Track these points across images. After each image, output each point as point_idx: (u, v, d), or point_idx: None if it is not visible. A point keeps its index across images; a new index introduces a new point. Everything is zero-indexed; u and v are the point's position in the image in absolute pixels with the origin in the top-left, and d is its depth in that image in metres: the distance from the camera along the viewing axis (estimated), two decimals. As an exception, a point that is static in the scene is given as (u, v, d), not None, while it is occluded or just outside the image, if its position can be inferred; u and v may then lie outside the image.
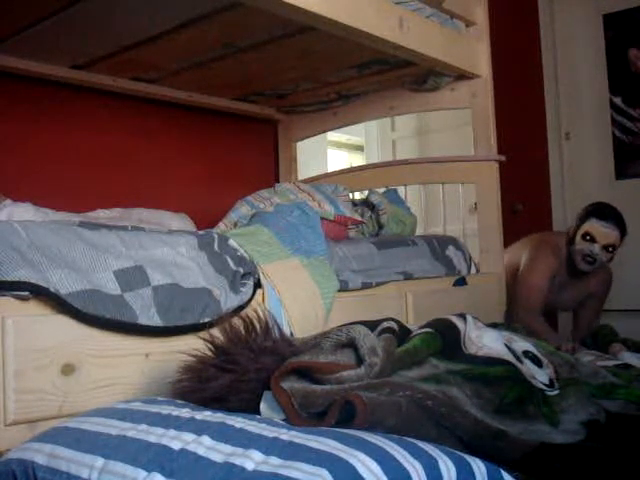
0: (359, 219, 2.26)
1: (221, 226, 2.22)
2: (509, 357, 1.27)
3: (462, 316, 1.40)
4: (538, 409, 1.15)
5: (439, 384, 1.09)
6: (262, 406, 0.99)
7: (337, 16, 1.77)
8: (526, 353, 1.36)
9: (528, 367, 1.29)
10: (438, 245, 2.27)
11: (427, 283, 2.12)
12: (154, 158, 2.68)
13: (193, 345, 1.12)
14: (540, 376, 1.28)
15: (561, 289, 2.49)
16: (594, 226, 2.30)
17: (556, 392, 1.25)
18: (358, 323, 1.20)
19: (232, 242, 1.59)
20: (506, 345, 1.33)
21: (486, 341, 1.31)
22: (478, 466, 0.80)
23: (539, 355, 1.37)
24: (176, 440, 0.84)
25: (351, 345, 1.10)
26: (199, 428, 0.87)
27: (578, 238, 2.33)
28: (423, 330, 1.31)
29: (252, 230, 1.72)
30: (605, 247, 2.29)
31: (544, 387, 1.24)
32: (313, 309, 1.63)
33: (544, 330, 2.31)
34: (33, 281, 1.14)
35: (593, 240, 2.29)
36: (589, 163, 3.16)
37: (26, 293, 1.14)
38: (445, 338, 1.29)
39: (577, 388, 1.29)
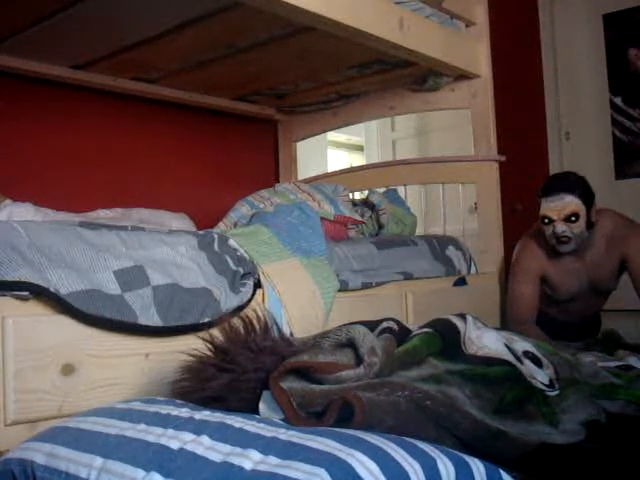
0: (359, 219, 2.26)
1: (221, 226, 2.22)
2: (509, 357, 1.27)
3: (462, 316, 1.40)
4: (538, 409, 1.15)
5: (439, 384, 1.09)
6: (261, 406, 0.99)
7: (337, 16, 1.77)
8: (526, 353, 1.36)
9: (528, 367, 1.29)
10: (438, 245, 2.27)
11: (427, 283, 2.12)
12: (154, 158, 2.68)
13: (193, 345, 1.12)
14: (540, 376, 1.28)
15: (574, 275, 2.20)
16: (544, 206, 2.09)
17: (556, 392, 1.25)
18: (358, 323, 1.20)
19: (232, 242, 1.59)
20: (506, 345, 1.33)
21: (486, 341, 1.31)
22: (477, 466, 0.80)
23: (539, 355, 1.37)
24: (175, 440, 0.84)
25: (350, 345, 1.10)
26: (198, 428, 0.87)
27: (541, 225, 2.14)
28: (423, 330, 1.31)
29: (252, 230, 1.72)
30: (566, 219, 2.05)
31: (544, 387, 1.24)
32: (313, 309, 1.64)
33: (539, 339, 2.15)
34: (33, 281, 1.14)
35: (551, 220, 2.08)
36: (589, 163, 3.16)
37: (26, 293, 1.14)
38: (445, 338, 1.29)
39: (577, 388, 1.29)
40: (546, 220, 2.09)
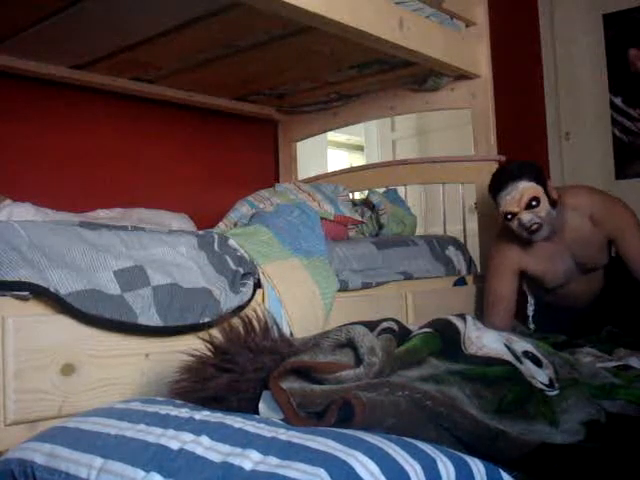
0: (359, 219, 2.26)
1: (221, 226, 2.22)
2: (509, 357, 1.27)
3: (462, 316, 1.40)
4: (538, 409, 1.15)
5: (439, 384, 1.09)
6: (261, 406, 0.99)
7: (337, 16, 1.77)
8: (526, 353, 1.36)
9: (528, 367, 1.29)
10: (438, 245, 2.27)
11: (427, 283, 2.12)
12: (154, 158, 2.68)
13: (192, 345, 1.12)
14: (540, 376, 1.28)
15: (557, 258, 2.08)
16: (501, 203, 1.96)
17: (556, 392, 1.25)
18: (358, 323, 1.20)
19: (232, 242, 1.59)
20: (506, 345, 1.33)
21: (486, 341, 1.31)
22: (477, 466, 0.80)
23: (539, 355, 1.37)
24: (175, 440, 0.84)
25: (350, 345, 1.10)
26: (198, 428, 0.87)
27: (506, 223, 1.99)
28: (423, 330, 1.31)
29: (252, 230, 1.72)
30: (528, 207, 1.92)
31: (544, 387, 1.24)
32: (313, 309, 1.64)
33: None
34: (33, 281, 1.14)
35: (513, 215, 1.95)
36: (589, 163, 3.16)
37: (26, 293, 1.15)
38: (445, 338, 1.29)
39: (577, 388, 1.29)
40: (509, 216, 1.96)
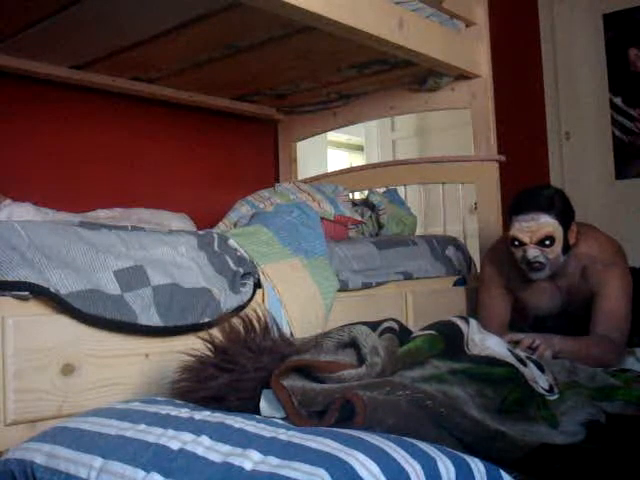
0: (359, 219, 2.26)
1: (221, 226, 2.22)
2: (512, 360, 1.27)
3: (465, 319, 1.40)
4: (538, 412, 1.15)
5: (440, 384, 1.09)
6: (262, 404, 0.99)
7: (337, 16, 1.77)
8: (529, 358, 1.36)
9: (532, 370, 1.29)
10: (438, 245, 2.27)
11: (427, 283, 2.12)
12: (154, 158, 2.68)
13: (193, 345, 1.12)
14: (541, 380, 1.28)
15: (547, 296, 1.96)
16: (515, 226, 1.79)
17: (556, 396, 1.25)
18: (359, 323, 1.20)
19: (232, 242, 1.59)
20: (509, 350, 1.33)
21: (489, 344, 1.31)
22: (477, 466, 0.80)
23: (540, 361, 1.38)
24: (175, 440, 0.84)
25: (353, 345, 1.10)
26: (198, 428, 0.87)
27: (511, 248, 1.83)
28: (425, 332, 1.31)
29: (252, 230, 1.72)
30: (540, 243, 1.76)
31: (544, 392, 1.24)
32: (313, 309, 1.64)
33: None
34: (33, 281, 1.14)
35: (522, 243, 1.79)
36: (589, 163, 3.16)
37: (26, 293, 1.15)
38: (448, 339, 1.28)
39: (576, 391, 1.29)
40: (516, 242, 1.80)
